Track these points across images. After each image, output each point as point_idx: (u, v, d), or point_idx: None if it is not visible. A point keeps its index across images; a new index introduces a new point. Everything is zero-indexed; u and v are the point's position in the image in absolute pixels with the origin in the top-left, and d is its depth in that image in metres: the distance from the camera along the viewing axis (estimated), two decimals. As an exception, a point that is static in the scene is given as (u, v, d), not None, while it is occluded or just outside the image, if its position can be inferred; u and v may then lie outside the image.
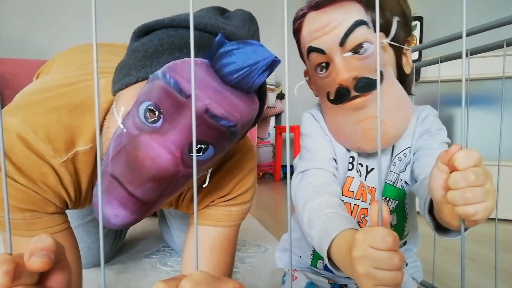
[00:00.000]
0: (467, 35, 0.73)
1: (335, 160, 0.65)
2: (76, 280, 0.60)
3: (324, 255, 0.48)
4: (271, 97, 2.97)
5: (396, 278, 0.35)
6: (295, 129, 2.62)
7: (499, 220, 1.59)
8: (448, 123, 0.64)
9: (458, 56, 0.84)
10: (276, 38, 3.05)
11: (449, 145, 0.64)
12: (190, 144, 0.46)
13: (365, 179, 0.66)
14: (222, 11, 0.53)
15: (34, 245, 0.26)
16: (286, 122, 0.32)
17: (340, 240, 0.46)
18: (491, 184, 0.34)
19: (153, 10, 2.56)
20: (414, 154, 0.65)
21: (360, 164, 0.66)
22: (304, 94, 0.67)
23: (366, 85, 0.56)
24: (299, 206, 0.59)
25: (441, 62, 0.84)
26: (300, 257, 0.76)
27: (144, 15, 0.53)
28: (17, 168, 0.51)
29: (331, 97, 0.60)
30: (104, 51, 0.78)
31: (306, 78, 0.67)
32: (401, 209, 0.68)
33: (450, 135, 0.66)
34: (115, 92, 0.51)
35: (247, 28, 0.50)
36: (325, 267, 0.72)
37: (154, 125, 0.45)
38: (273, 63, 0.44)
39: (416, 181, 0.62)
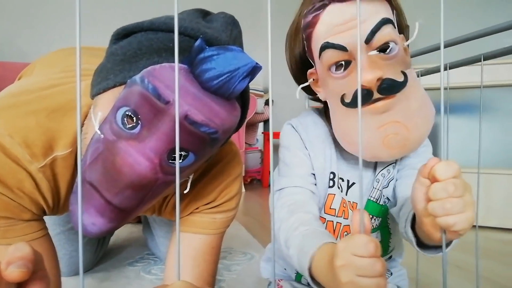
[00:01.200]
0: (445, 46, 0.74)
1: (313, 174, 0.63)
2: (55, 286, 0.58)
3: (306, 274, 0.47)
4: (259, 103, 2.98)
5: (379, 285, 0.35)
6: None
7: (482, 227, 1.62)
8: (431, 131, 0.65)
9: (437, 70, 0.86)
10: (263, 43, 3.06)
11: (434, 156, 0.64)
12: (169, 151, 0.45)
13: (346, 194, 0.65)
14: (204, 14, 0.52)
15: (11, 255, 0.25)
16: (270, 128, 0.32)
17: (319, 255, 0.45)
18: (470, 195, 0.35)
19: (137, 13, 2.55)
20: (398, 171, 0.63)
21: (341, 179, 0.64)
22: (292, 100, 0.66)
23: (390, 87, 0.52)
24: (276, 227, 0.57)
25: (421, 75, 0.85)
26: (285, 269, 0.75)
27: (128, 20, 0.52)
28: None
29: (347, 100, 0.55)
30: (88, 54, 0.77)
31: (311, 79, 0.61)
32: (384, 225, 0.67)
33: (432, 143, 0.66)
34: (93, 96, 0.50)
35: (229, 31, 0.50)
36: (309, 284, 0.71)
37: (132, 131, 0.45)
38: (254, 70, 0.44)
39: (396, 202, 0.61)
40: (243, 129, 2.73)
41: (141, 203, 0.49)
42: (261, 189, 2.89)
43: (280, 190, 0.62)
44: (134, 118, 0.44)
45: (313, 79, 0.60)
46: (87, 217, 0.48)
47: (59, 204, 0.58)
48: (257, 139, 3.19)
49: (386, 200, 0.65)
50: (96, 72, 0.50)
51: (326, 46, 0.53)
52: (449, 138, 0.34)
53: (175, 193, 0.59)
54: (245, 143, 3.05)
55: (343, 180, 0.65)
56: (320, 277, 0.45)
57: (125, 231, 1.44)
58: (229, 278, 1.02)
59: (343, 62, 0.54)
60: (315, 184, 0.63)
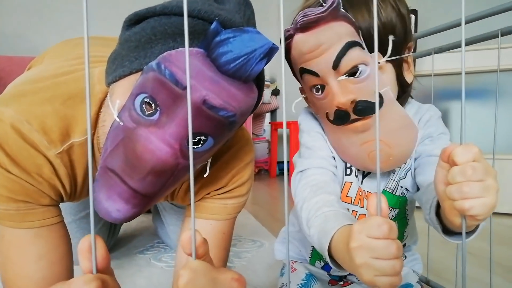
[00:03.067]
0: (457, 25, 0.72)
1: (334, 158, 0.64)
2: (67, 275, 0.59)
3: (326, 254, 0.47)
4: (266, 93, 2.97)
5: (395, 267, 0.34)
6: (290, 125, 2.61)
7: (495, 213, 1.60)
8: (443, 117, 0.64)
9: (452, 47, 0.84)
10: (272, 29, 3.03)
11: None
12: (188, 136, 0.45)
13: (361, 183, 0.65)
14: None
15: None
16: (283, 118, 0.31)
17: (338, 237, 0.46)
18: (493, 180, 0.34)
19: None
20: (415, 160, 0.63)
21: (357, 168, 0.64)
22: (297, 91, 0.65)
23: (365, 109, 0.53)
24: (298, 207, 0.58)
25: (434, 53, 0.83)
26: (300, 250, 0.75)
27: (137, 7, 0.51)
28: (11, 159, 0.49)
29: (331, 118, 0.57)
30: (97, 43, 0.77)
31: (303, 95, 0.63)
32: (402, 216, 0.66)
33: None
34: (108, 84, 0.50)
35: (242, 12, 0.49)
36: (323, 267, 0.71)
37: (151, 118, 0.44)
38: (271, 51, 0.43)
39: (418, 189, 0.61)
40: (250, 119, 2.73)
41: (163, 188, 0.49)
42: (268, 179, 2.89)
43: (303, 171, 0.62)
44: (153, 105, 0.44)
45: (305, 96, 0.63)
46: (112, 204, 0.48)
47: (76, 190, 0.59)
48: (264, 129, 3.18)
49: (405, 191, 0.65)
50: (111, 60, 0.50)
51: (303, 71, 0.56)
52: (462, 124, 0.33)
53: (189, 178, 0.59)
54: (252, 133, 3.05)
55: (359, 170, 0.64)
56: (338, 258, 0.45)
57: (135, 221, 1.45)
58: (239, 265, 1.02)
59: (319, 86, 0.56)
60: (336, 167, 0.63)
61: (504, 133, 1.56)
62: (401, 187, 0.64)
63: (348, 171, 0.64)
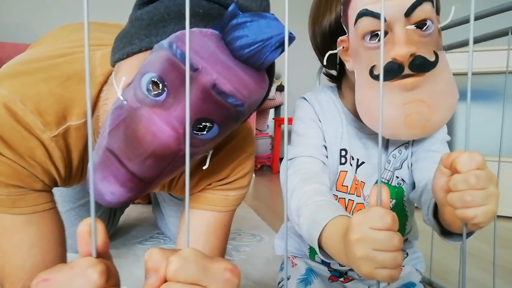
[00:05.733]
0: (466, 22, 0.70)
1: (325, 147, 0.63)
2: (61, 261, 0.57)
3: (315, 244, 0.46)
4: (270, 89, 2.95)
5: (396, 260, 0.34)
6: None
7: (499, 217, 1.58)
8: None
9: (459, 45, 0.82)
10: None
11: (451, 146, 0.62)
12: (194, 121, 0.44)
13: (355, 173, 0.64)
14: None
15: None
16: (285, 114, 0.30)
17: (331, 227, 0.45)
18: (495, 188, 0.34)
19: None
20: (412, 154, 0.62)
21: (351, 157, 0.64)
22: (303, 86, 0.64)
23: (422, 65, 0.51)
24: (288, 195, 0.56)
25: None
26: (300, 245, 0.74)
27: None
28: (2, 140, 0.47)
29: (377, 72, 0.53)
30: (96, 29, 0.75)
31: (341, 47, 0.57)
32: (400, 207, 0.65)
33: (450, 131, 0.64)
34: (114, 62, 0.48)
35: (259, 2, 0.47)
36: (323, 261, 0.70)
37: (157, 98, 0.42)
38: (288, 40, 0.42)
39: (415, 186, 0.60)
40: (253, 114, 2.71)
41: (162, 174, 0.47)
42: (270, 175, 2.89)
43: (293, 159, 0.61)
44: (160, 85, 0.42)
45: (343, 47, 0.57)
46: (106, 186, 0.46)
47: (71, 175, 0.57)
48: (267, 125, 3.17)
49: (401, 182, 0.64)
50: (118, 38, 0.48)
51: (364, 13, 0.51)
52: (467, 130, 0.32)
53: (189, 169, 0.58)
54: (256, 129, 3.03)
55: (353, 159, 0.64)
56: (329, 248, 0.45)
57: (135, 211, 1.45)
58: (238, 259, 1.01)
59: (379, 32, 0.52)
60: (327, 157, 0.62)
61: (510, 136, 1.54)
62: (397, 177, 0.64)
63: (343, 160, 0.63)
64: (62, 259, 0.57)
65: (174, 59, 0.41)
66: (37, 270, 0.52)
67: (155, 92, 0.43)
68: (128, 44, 0.46)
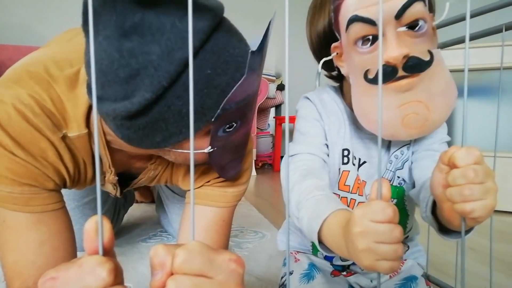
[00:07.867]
0: (463, 19, 0.71)
1: (327, 146, 0.63)
2: (71, 259, 0.59)
3: (314, 237, 0.47)
4: (271, 88, 2.96)
5: (397, 251, 0.34)
6: (294, 120, 2.61)
7: (496, 211, 1.59)
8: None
9: (455, 42, 0.83)
10: (276, 28, 3.02)
11: (449, 143, 0.62)
12: None
13: (357, 172, 0.65)
14: None
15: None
16: (286, 112, 0.31)
17: (331, 220, 0.45)
18: (493, 182, 0.34)
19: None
20: (413, 153, 0.63)
21: (354, 157, 0.64)
22: (304, 85, 0.65)
23: (416, 65, 0.51)
24: (289, 189, 0.57)
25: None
26: (302, 240, 0.75)
27: None
28: (15, 141, 0.49)
29: (371, 76, 0.54)
30: None
31: (334, 53, 0.58)
32: (401, 207, 0.66)
33: (448, 127, 0.65)
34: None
35: None
36: (326, 257, 0.72)
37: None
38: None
39: (415, 185, 0.61)
40: (254, 113, 2.72)
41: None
42: (272, 173, 2.90)
43: (293, 156, 0.62)
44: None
45: (337, 53, 0.59)
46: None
47: (80, 176, 0.59)
48: (268, 124, 3.18)
49: (402, 182, 0.65)
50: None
51: (354, 19, 0.52)
52: (464, 125, 0.33)
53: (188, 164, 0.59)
54: (257, 127, 3.05)
55: (355, 158, 0.64)
56: (329, 242, 0.45)
57: (139, 210, 1.47)
58: (240, 255, 1.03)
59: (370, 37, 0.52)
60: (328, 155, 0.63)
61: (506, 131, 1.54)
62: (398, 177, 0.64)
63: (346, 159, 0.64)
64: (72, 257, 0.59)
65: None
66: (48, 268, 0.53)
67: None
68: (162, 142, 0.47)
